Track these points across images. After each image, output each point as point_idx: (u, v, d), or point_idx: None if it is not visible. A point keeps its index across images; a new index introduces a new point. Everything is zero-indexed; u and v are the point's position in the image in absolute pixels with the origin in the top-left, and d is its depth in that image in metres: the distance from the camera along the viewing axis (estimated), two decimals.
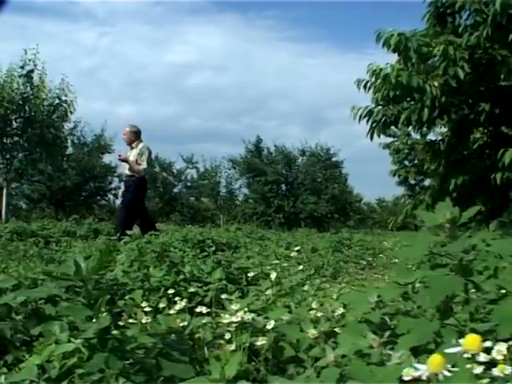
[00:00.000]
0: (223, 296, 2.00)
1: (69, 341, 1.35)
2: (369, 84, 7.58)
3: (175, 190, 31.61)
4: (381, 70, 7.32)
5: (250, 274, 2.52)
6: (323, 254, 5.46)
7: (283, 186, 29.57)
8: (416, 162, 12.11)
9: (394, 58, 7.64)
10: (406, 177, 12.19)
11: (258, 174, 28.97)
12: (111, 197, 28.52)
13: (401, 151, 13.68)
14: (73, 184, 25.75)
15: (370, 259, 5.69)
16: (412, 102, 7.70)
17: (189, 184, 31.73)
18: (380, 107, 7.71)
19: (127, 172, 7.31)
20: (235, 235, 6.87)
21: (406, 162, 14.13)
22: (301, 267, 2.46)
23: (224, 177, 30.40)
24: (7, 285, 1.86)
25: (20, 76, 12.05)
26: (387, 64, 7.39)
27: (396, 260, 4.68)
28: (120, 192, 28.11)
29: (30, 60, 11.93)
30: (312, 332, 1.47)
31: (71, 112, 13.10)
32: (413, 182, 16.18)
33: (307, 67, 71.13)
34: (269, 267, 2.77)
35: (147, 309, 1.91)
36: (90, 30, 74.09)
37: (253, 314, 1.59)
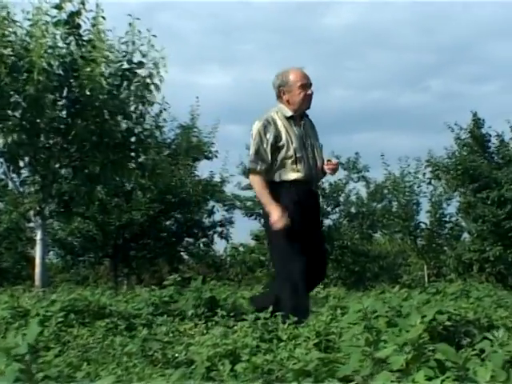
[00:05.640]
0: None
1: None
2: None
3: (327, 223, 31.64)
4: None
5: None
6: None
7: None
8: None
9: None
10: None
11: (483, 186, 28.04)
12: (215, 238, 28.84)
13: None
14: (145, 218, 26.32)
15: None
16: None
17: (353, 211, 31.49)
18: None
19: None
20: (480, 305, 6.47)
21: None
22: None
23: (426, 193, 29.64)
24: None
25: (56, 24, 11.76)
26: None
27: None
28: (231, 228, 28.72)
29: None
30: None
31: (156, 86, 12.99)
32: None
33: None
34: None
35: None
36: None
37: None
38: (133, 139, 13.12)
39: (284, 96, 6.46)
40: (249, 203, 30.47)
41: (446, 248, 30.69)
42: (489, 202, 27.58)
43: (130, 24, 12.80)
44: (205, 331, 5.48)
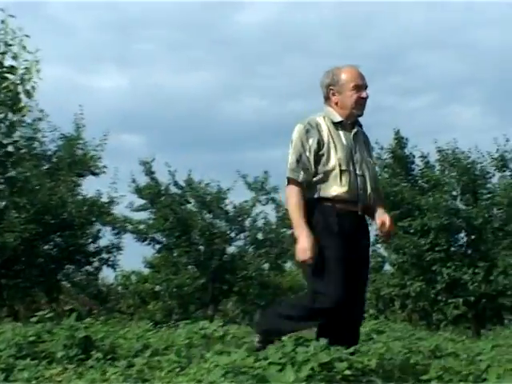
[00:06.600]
0: None
1: None
2: None
3: (231, 251, 31.63)
4: None
5: None
6: None
7: (462, 238, 28.81)
8: None
9: None
10: None
11: (405, 214, 28.38)
12: (102, 267, 28.58)
13: None
14: (19, 241, 26.00)
15: None
16: None
17: (260, 237, 31.62)
18: None
19: None
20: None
21: None
22: None
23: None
24: None
25: None
26: None
27: None
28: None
29: None
30: None
31: (28, 93, 12.83)
32: None
33: None
34: None
35: None
36: None
37: None
38: (0, 152, 12.84)
39: (333, 97, 6.28)
40: (141, 226, 30.29)
41: None
42: (411, 231, 27.72)
43: (2, 21, 12.56)
44: (74, 377, 5.31)
